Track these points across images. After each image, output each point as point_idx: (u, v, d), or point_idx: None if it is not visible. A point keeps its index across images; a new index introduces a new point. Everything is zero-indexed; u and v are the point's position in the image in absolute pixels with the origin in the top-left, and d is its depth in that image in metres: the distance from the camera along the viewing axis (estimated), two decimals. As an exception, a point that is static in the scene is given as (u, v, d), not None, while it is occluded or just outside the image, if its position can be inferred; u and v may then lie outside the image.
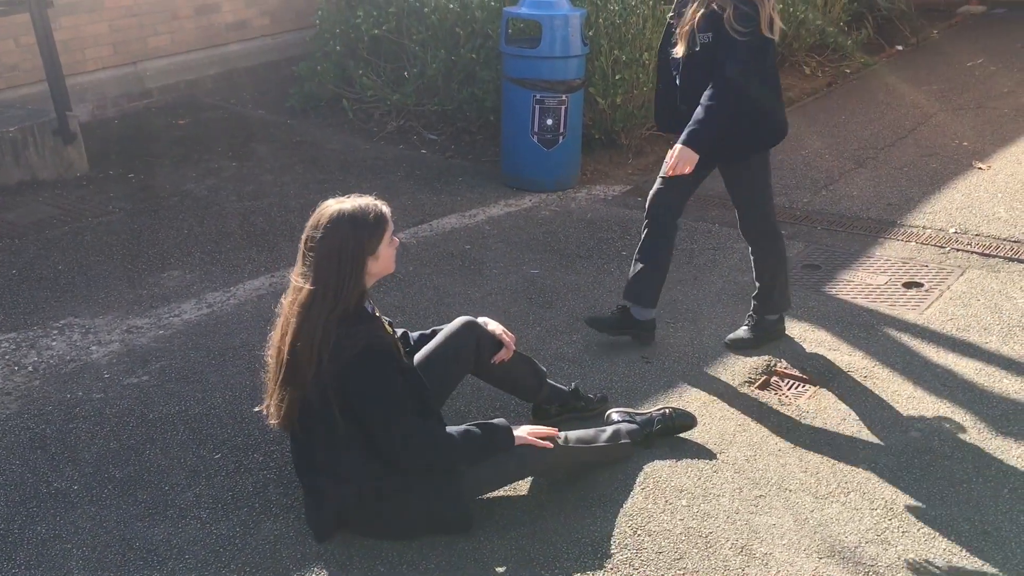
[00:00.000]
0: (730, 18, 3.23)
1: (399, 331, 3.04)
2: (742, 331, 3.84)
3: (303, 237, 2.65)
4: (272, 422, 2.76)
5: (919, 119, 6.60)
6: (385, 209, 2.69)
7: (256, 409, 2.90)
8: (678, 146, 3.40)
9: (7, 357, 3.87)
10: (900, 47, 8.76)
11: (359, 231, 2.61)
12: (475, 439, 2.73)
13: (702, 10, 3.31)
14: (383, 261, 2.69)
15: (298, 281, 2.63)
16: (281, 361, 2.67)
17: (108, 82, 7.17)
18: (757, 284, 3.83)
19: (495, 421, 2.81)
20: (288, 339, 2.63)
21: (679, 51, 3.40)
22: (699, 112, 3.36)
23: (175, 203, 5.53)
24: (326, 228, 2.59)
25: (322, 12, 7.05)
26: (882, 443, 3.14)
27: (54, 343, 3.99)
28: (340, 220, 2.59)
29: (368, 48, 6.77)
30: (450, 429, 2.74)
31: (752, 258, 3.81)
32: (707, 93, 3.35)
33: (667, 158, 3.48)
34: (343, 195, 2.70)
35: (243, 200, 5.55)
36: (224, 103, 7.49)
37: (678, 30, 3.41)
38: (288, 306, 2.67)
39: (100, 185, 5.83)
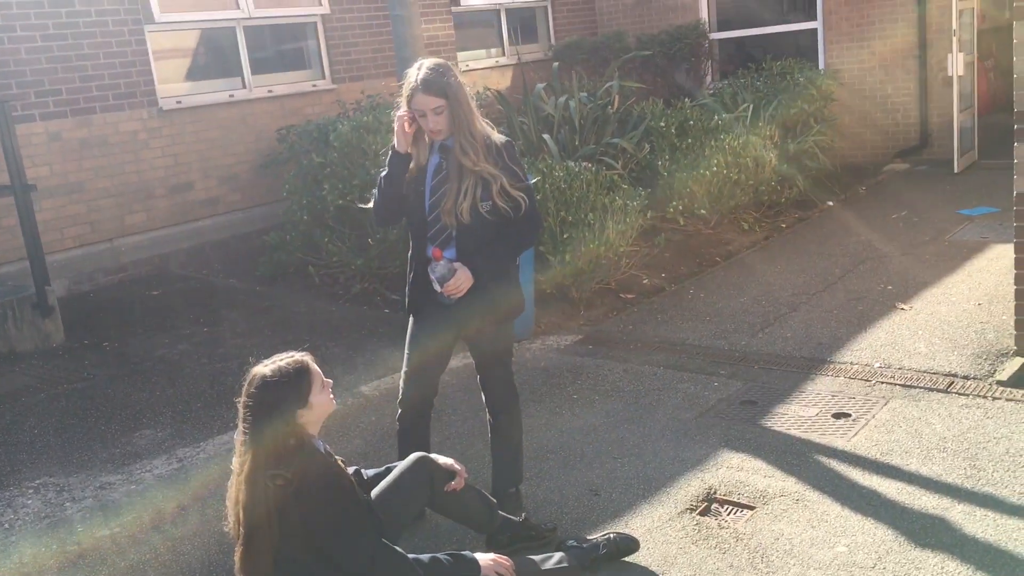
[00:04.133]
0: (504, 186, 3.48)
1: (351, 468, 3.27)
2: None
3: (240, 404, 2.86)
4: None
5: (848, 267, 7.10)
6: (307, 361, 2.90)
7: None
8: (460, 267, 3.48)
9: (-16, 516, 4.03)
10: (830, 203, 9.43)
11: (284, 390, 2.83)
12: (441, 565, 2.95)
13: (478, 181, 3.47)
14: (317, 409, 2.90)
15: (240, 449, 2.85)
16: (239, 525, 2.83)
17: (85, 258, 7.55)
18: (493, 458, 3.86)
19: (462, 552, 3.03)
20: (242, 506, 2.81)
21: (465, 219, 3.46)
22: (496, 247, 3.55)
23: (148, 367, 5.79)
24: (253, 395, 2.82)
25: (290, 186, 7.56)
26: (811, 558, 3.37)
27: (29, 501, 4.16)
28: (264, 385, 2.82)
29: (333, 217, 7.24)
30: (418, 556, 2.95)
31: (491, 427, 3.85)
32: (504, 236, 3.55)
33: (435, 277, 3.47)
34: (267, 359, 2.90)
35: (213, 362, 5.83)
36: (196, 274, 7.87)
37: (448, 204, 3.47)
38: (240, 465, 2.86)
39: (75, 354, 6.09)
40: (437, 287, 3.53)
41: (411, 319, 3.75)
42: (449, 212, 3.50)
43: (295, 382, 2.86)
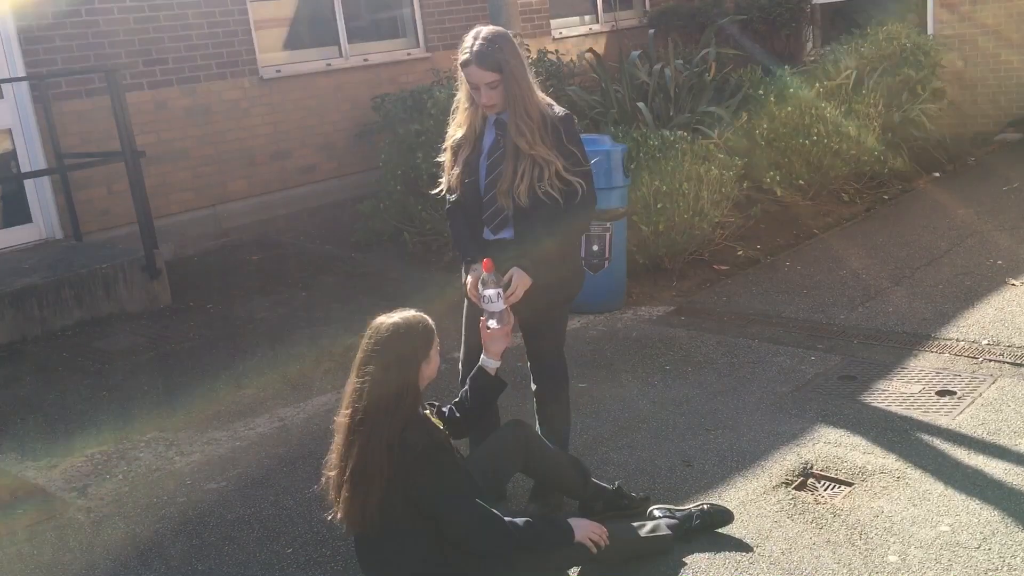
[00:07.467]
0: (559, 171, 3.32)
1: (444, 408, 3.32)
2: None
3: (361, 351, 2.95)
4: (345, 527, 2.99)
5: (955, 241, 6.84)
6: (428, 319, 3.03)
7: (328, 516, 3.10)
8: (517, 271, 3.34)
9: (100, 467, 4.25)
10: (937, 174, 9.08)
11: (413, 339, 2.95)
12: (537, 529, 2.99)
13: (535, 162, 3.33)
14: (433, 365, 3.02)
15: (353, 397, 2.93)
16: (348, 469, 2.90)
17: (189, 223, 7.81)
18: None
19: (557, 517, 3.06)
20: (356, 448, 2.89)
21: (523, 202, 3.35)
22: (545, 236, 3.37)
23: (249, 330, 5.97)
24: (384, 340, 2.92)
25: (385, 156, 7.66)
26: (912, 537, 3.29)
27: (141, 454, 4.36)
28: (396, 331, 2.93)
29: (427, 185, 7.30)
30: (514, 519, 3.00)
31: (537, 416, 3.70)
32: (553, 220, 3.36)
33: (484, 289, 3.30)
34: (389, 312, 3.01)
35: (312, 326, 5.98)
36: (294, 240, 8.06)
37: (504, 185, 3.36)
38: (350, 416, 2.93)
39: (181, 315, 6.33)
40: (489, 320, 3.32)
41: (467, 301, 3.63)
42: (505, 193, 3.36)
43: (423, 332, 2.96)
